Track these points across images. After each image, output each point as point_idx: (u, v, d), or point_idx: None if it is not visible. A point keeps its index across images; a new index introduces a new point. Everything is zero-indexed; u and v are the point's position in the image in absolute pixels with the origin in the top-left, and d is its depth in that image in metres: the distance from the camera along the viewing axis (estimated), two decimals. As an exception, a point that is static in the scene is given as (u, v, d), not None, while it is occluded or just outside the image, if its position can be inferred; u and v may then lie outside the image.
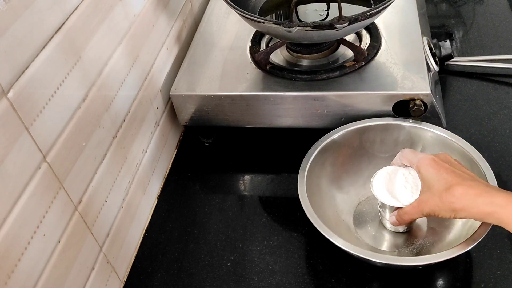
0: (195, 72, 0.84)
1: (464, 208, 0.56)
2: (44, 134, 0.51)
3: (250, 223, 0.74)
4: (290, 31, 0.71)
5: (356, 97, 0.76)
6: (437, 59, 0.85)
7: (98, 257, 0.62)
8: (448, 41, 0.89)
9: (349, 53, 0.83)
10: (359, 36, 0.87)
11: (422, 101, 0.74)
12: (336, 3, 0.70)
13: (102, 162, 0.63)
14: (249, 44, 0.88)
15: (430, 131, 0.72)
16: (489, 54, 0.95)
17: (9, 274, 0.46)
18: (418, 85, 0.75)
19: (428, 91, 0.74)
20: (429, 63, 0.81)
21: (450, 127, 0.77)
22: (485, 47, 0.97)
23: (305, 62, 0.84)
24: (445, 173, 0.59)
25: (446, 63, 0.92)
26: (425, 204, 0.60)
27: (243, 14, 0.75)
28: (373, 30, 0.86)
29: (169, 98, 0.83)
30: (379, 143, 0.75)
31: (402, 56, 0.81)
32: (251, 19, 0.75)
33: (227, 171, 0.83)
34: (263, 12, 0.90)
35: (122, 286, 0.68)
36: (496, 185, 0.63)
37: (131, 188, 0.71)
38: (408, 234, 0.68)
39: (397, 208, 0.64)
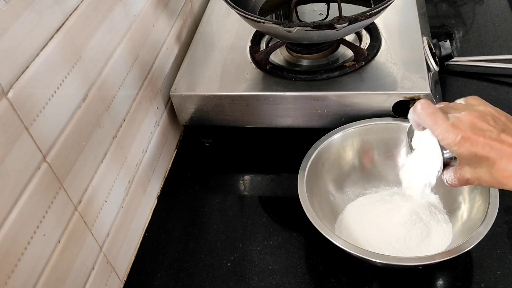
0: (195, 72, 0.84)
1: None
2: (44, 134, 0.51)
3: (250, 223, 0.74)
4: (290, 31, 0.71)
5: (356, 97, 0.76)
6: (437, 59, 0.85)
7: (98, 257, 0.62)
8: (448, 41, 0.89)
9: (349, 53, 0.83)
10: (359, 36, 0.87)
11: (422, 101, 0.74)
12: (336, 3, 0.71)
13: (102, 162, 0.63)
14: (249, 44, 0.88)
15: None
16: (489, 54, 0.95)
17: (9, 274, 0.46)
18: (418, 85, 0.75)
19: (428, 91, 0.74)
20: (429, 63, 0.81)
21: (450, 127, 0.77)
22: (485, 47, 0.97)
23: (305, 62, 0.84)
24: (482, 150, 0.48)
25: (446, 63, 0.92)
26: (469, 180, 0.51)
27: (243, 14, 0.75)
28: (373, 30, 0.86)
29: (169, 98, 0.83)
30: (379, 143, 0.75)
31: (402, 56, 0.81)
32: (251, 19, 0.75)
33: (227, 171, 0.83)
34: (263, 12, 0.90)
35: (122, 286, 0.68)
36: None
37: (131, 188, 0.71)
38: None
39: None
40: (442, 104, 0.54)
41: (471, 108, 0.51)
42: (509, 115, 0.51)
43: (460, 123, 0.49)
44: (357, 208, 0.71)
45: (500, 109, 0.52)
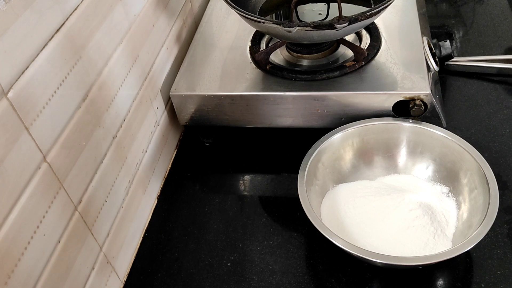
0: (195, 72, 0.84)
1: None
2: (44, 134, 0.51)
3: (250, 223, 0.74)
4: (290, 31, 0.71)
5: (356, 97, 0.76)
6: (437, 59, 0.85)
7: (98, 257, 0.62)
8: (448, 41, 0.89)
9: (349, 53, 0.83)
10: (359, 36, 0.87)
11: (422, 101, 0.74)
12: (336, 3, 0.70)
13: (102, 162, 0.63)
14: (249, 44, 0.88)
15: (430, 131, 0.72)
16: (489, 54, 0.95)
17: (9, 274, 0.46)
18: (418, 85, 0.75)
19: (428, 91, 0.74)
20: (429, 63, 0.81)
21: (450, 127, 0.77)
22: (485, 47, 0.97)
23: (305, 62, 0.84)
24: None
25: (446, 63, 0.92)
26: None
27: (243, 14, 0.75)
28: (373, 30, 0.86)
29: (169, 98, 0.83)
30: (379, 143, 0.75)
31: (402, 56, 0.81)
32: (251, 19, 0.75)
33: (227, 171, 0.83)
34: (263, 12, 0.90)
35: (122, 286, 0.68)
36: (496, 185, 0.63)
37: (131, 188, 0.71)
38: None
39: None
40: None
41: None
42: None
43: None
44: (357, 207, 0.71)
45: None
